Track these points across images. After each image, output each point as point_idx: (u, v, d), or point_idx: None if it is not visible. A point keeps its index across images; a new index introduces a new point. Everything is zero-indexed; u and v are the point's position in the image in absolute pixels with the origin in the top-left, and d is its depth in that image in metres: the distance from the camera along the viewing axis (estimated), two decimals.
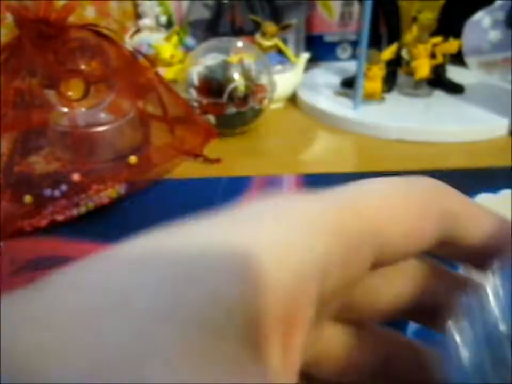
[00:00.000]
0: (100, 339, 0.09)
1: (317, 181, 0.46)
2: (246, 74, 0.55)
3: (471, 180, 0.45)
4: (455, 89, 0.64)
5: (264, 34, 0.65)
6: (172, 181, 0.48)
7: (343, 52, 0.80)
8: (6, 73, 0.43)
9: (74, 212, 0.42)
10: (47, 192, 0.42)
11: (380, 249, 0.14)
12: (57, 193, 0.42)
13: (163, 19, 0.74)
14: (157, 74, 0.51)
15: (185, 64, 0.58)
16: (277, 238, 0.12)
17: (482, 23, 0.60)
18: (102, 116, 0.48)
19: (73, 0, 0.45)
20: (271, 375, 0.11)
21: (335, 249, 0.13)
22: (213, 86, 0.54)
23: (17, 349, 0.09)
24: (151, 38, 0.67)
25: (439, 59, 0.62)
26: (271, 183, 0.46)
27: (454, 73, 0.66)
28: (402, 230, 0.14)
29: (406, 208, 0.15)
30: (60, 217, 0.41)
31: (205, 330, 0.10)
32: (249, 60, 0.56)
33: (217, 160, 0.51)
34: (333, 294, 0.13)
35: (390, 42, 0.65)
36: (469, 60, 0.62)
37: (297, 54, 0.69)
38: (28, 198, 0.41)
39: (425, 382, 0.16)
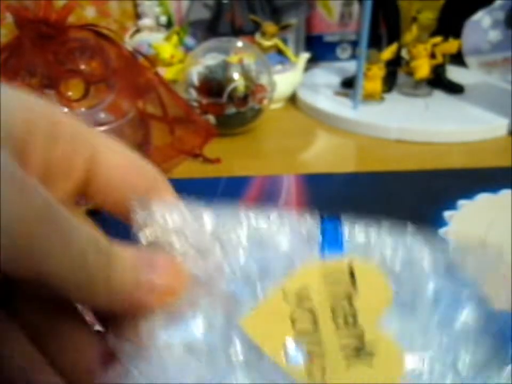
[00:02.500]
0: None
1: (317, 181, 0.46)
2: (246, 74, 0.55)
3: (471, 179, 0.45)
4: (455, 89, 0.64)
5: (264, 34, 0.65)
6: (171, 181, 0.48)
7: (343, 52, 0.80)
8: (6, 73, 0.43)
9: None
10: None
11: None
12: None
13: (163, 19, 0.74)
14: (157, 74, 0.51)
15: (185, 64, 0.58)
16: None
17: (482, 23, 0.60)
18: (102, 116, 0.48)
19: (73, 0, 0.45)
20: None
21: None
22: (213, 86, 0.54)
23: None
24: (151, 38, 0.67)
25: (439, 59, 0.62)
26: (271, 183, 0.46)
27: (454, 73, 0.66)
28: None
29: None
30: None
31: None
32: (249, 60, 0.56)
33: (217, 160, 0.51)
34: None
35: (390, 42, 0.65)
36: (469, 60, 0.62)
37: (297, 54, 0.69)
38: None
39: None
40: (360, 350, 0.17)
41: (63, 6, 0.43)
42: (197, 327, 0.17)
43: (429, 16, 0.62)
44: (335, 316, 0.17)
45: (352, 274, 0.18)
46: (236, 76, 0.54)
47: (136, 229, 0.18)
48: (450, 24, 0.62)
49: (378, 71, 0.60)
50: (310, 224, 0.19)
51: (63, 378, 0.17)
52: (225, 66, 0.55)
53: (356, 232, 0.19)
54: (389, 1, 0.64)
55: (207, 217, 0.18)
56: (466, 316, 0.18)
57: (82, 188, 0.18)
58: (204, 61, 0.56)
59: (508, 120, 0.56)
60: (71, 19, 0.44)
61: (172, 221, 0.18)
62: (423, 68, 0.61)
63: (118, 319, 0.17)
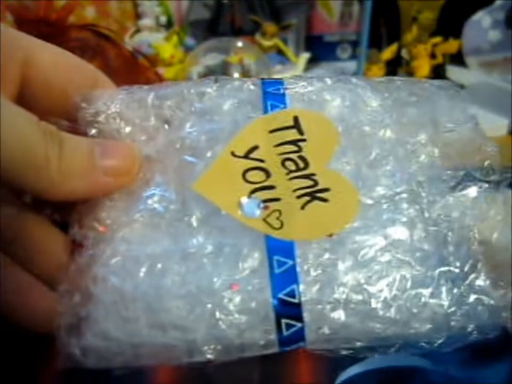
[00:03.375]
0: None
1: None
2: (246, 74, 0.55)
3: None
4: None
5: (264, 34, 0.65)
6: None
7: (343, 52, 0.80)
8: None
9: None
10: None
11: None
12: None
13: (163, 19, 0.74)
14: (157, 74, 0.51)
15: (185, 64, 0.58)
16: None
17: (482, 23, 0.60)
18: None
19: (73, 0, 0.45)
20: None
21: None
22: None
23: None
24: (151, 38, 0.67)
25: (439, 59, 0.62)
26: None
27: (454, 73, 0.66)
28: None
29: None
30: (60, 217, 0.41)
31: None
32: (249, 60, 0.56)
33: None
34: None
35: (390, 42, 0.65)
36: (469, 59, 0.62)
37: (297, 54, 0.69)
38: (27, 198, 0.41)
39: None
40: (314, 187, 0.17)
41: (63, 6, 0.43)
42: (154, 202, 0.17)
43: (429, 16, 0.62)
44: (284, 162, 0.18)
45: (297, 123, 0.18)
46: (235, 76, 0.54)
47: (83, 123, 0.18)
48: (450, 24, 0.62)
49: (378, 71, 0.60)
50: (252, 87, 0.19)
51: (35, 279, 0.17)
52: (225, 66, 0.55)
53: (299, 86, 0.19)
54: (389, 1, 0.64)
55: (151, 100, 0.19)
56: (420, 159, 0.19)
57: (21, 93, 0.18)
58: (204, 61, 0.56)
59: (508, 120, 0.56)
60: (71, 19, 0.44)
61: (116, 108, 0.18)
62: (423, 68, 0.61)
63: (79, 211, 0.17)
